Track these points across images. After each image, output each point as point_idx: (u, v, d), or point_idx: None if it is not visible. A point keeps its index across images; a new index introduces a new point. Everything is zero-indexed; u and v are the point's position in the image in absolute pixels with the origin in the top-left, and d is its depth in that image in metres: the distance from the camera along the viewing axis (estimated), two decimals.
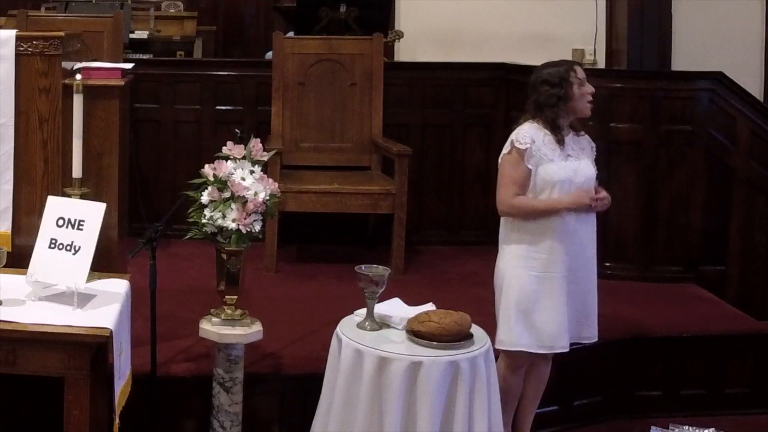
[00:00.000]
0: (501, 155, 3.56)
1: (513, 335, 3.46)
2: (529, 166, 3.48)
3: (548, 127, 3.51)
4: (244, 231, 3.22)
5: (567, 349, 3.53)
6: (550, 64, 3.61)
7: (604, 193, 3.54)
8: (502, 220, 3.60)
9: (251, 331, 3.33)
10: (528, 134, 3.50)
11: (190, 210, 3.30)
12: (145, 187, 5.42)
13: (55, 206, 3.08)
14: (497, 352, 3.44)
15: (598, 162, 5.17)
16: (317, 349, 3.73)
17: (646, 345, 4.33)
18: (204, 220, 3.25)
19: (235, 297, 3.35)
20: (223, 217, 3.22)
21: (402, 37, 6.20)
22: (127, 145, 3.84)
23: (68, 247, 3.00)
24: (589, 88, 3.56)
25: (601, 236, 5.09)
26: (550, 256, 3.48)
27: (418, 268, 5.17)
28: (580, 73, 3.57)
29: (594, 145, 3.68)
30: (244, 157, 3.29)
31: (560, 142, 3.51)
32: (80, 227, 3.01)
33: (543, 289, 3.48)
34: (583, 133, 3.65)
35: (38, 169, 3.34)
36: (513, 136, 3.54)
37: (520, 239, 3.51)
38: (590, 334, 3.62)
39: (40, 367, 2.84)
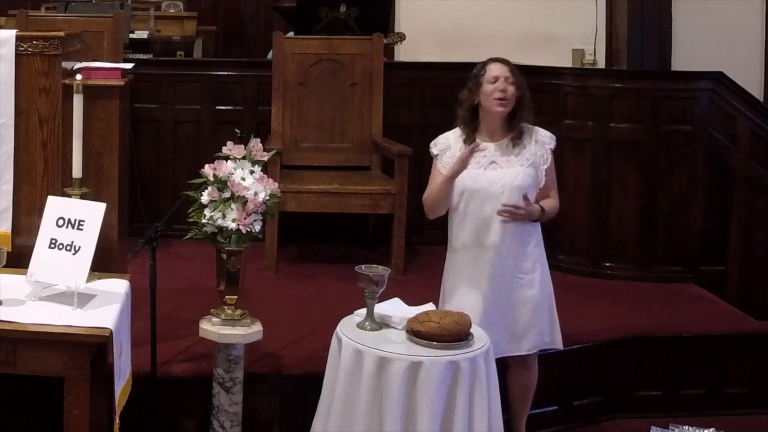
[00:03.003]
0: None
1: None
2: (443, 172, 3.47)
3: (464, 131, 3.49)
4: (244, 231, 3.22)
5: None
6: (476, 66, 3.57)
7: (520, 204, 3.38)
8: None
9: (251, 331, 3.33)
10: (446, 140, 3.53)
11: (190, 210, 3.30)
12: (145, 187, 5.42)
13: (55, 206, 3.08)
14: None
15: (598, 162, 5.21)
16: (317, 349, 3.73)
17: (646, 345, 4.33)
18: (204, 220, 3.25)
19: (235, 297, 3.35)
20: (223, 217, 3.22)
21: (404, 39, 6.19)
22: (127, 145, 3.85)
23: (68, 247, 2.99)
24: (498, 86, 3.41)
25: (601, 236, 5.15)
26: (462, 262, 3.53)
27: (418, 268, 5.16)
28: (492, 71, 3.45)
29: (551, 145, 3.49)
30: (244, 157, 3.29)
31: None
32: (80, 227, 3.01)
33: (452, 289, 3.53)
34: (529, 139, 3.46)
35: (38, 169, 3.34)
36: (433, 141, 3.56)
37: (451, 252, 3.60)
38: (530, 346, 3.55)
39: (40, 367, 2.84)
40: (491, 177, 3.43)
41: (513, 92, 3.43)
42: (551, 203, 3.53)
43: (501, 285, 3.49)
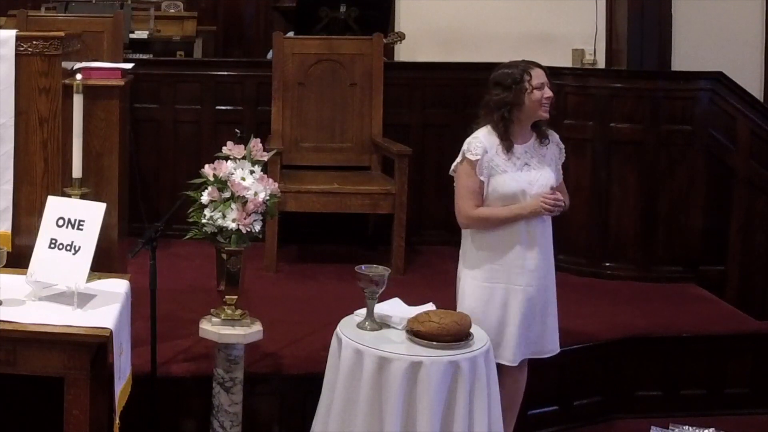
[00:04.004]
0: (454, 164, 3.47)
1: None
2: (482, 178, 3.39)
3: (498, 132, 3.41)
4: (244, 231, 3.22)
5: (514, 363, 3.41)
6: (506, 65, 3.49)
7: (557, 194, 3.40)
8: (464, 230, 3.52)
9: (251, 331, 3.33)
10: (481, 144, 3.40)
11: (190, 210, 3.30)
12: (145, 187, 5.41)
13: (55, 206, 3.08)
14: None
15: (598, 162, 5.21)
16: (317, 349, 3.73)
17: (646, 345, 4.33)
18: (204, 220, 3.25)
19: (235, 297, 3.35)
20: (223, 217, 3.22)
21: (404, 38, 6.19)
22: (127, 145, 3.85)
23: (68, 247, 2.99)
24: (546, 93, 3.40)
25: (601, 236, 5.14)
26: (508, 269, 3.40)
27: (418, 268, 5.17)
28: (537, 77, 3.41)
29: (563, 146, 3.56)
30: (244, 157, 3.29)
31: (508, 149, 3.39)
32: (80, 227, 3.01)
33: (496, 302, 3.40)
34: (549, 140, 3.50)
35: (38, 169, 3.35)
36: (466, 145, 3.43)
37: (479, 251, 3.44)
38: (553, 347, 3.53)
39: (40, 367, 2.84)
40: (529, 178, 3.41)
41: (553, 97, 3.44)
42: (568, 197, 3.57)
43: (546, 282, 3.48)
